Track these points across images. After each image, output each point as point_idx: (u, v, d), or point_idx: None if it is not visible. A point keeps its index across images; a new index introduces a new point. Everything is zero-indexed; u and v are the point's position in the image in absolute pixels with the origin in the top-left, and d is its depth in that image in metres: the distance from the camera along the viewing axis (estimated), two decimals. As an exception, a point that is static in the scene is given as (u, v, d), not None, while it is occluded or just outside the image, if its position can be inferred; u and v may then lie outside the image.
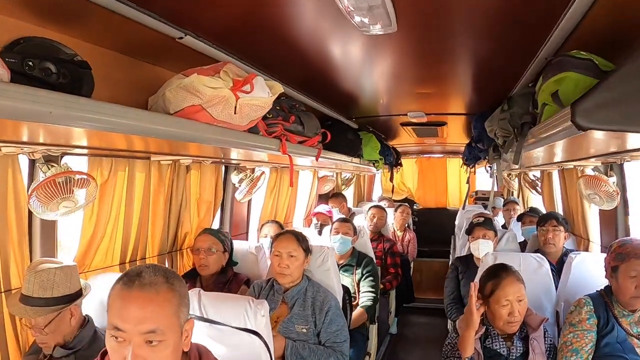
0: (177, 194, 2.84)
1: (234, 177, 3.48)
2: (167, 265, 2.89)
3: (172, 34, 1.73)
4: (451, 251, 6.87)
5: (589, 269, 2.65)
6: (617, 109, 1.18)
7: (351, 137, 4.20)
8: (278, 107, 2.57)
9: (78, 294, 1.93)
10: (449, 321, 5.31)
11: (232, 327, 2.04)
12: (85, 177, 1.92)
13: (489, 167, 3.83)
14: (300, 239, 2.70)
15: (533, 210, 4.48)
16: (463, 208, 4.99)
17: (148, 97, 1.92)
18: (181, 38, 1.77)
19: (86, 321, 2.02)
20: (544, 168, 4.33)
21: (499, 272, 2.38)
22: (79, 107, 1.20)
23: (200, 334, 1.99)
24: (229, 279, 2.96)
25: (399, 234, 6.02)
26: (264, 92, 1.77)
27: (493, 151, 2.94)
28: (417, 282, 6.38)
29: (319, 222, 5.05)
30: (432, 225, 7.90)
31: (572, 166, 3.51)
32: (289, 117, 2.54)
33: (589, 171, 2.96)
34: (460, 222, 6.23)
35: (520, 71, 2.41)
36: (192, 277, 2.95)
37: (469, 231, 3.63)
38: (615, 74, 1.19)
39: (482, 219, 3.64)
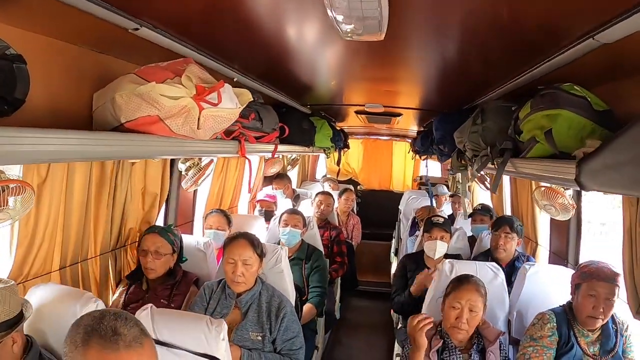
0: (121, 188, 2.59)
1: (181, 166, 3.24)
2: (110, 265, 2.68)
3: (125, 25, 1.48)
4: (394, 236, 6.92)
5: (543, 281, 2.70)
6: (624, 172, 1.10)
7: (306, 126, 4.02)
8: (237, 104, 2.36)
9: (19, 317, 1.68)
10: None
11: (190, 351, 1.91)
12: (19, 185, 1.65)
13: (449, 171, 3.79)
14: (255, 244, 2.56)
15: (484, 209, 4.49)
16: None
17: (93, 92, 1.68)
18: (136, 29, 1.53)
19: (29, 344, 1.77)
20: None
21: (463, 279, 2.43)
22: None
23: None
24: (177, 281, 2.78)
25: (343, 219, 5.92)
26: (231, 103, 1.57)
27: (457, 160, 2.86)
28: (359, 265, 6.38)
29: (263, 209, 4.90)
30: (376, 208, 7.92)
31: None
32: (249, 114, 2.34)
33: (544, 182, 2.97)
34: (406, 209, 6.27)
35: (495, 84, 2.34)
36: (138, 278, 2.74)
37: (427, 230, 3.57)
38: (625, 135, 1.10)
39: (442, 219, 3.61)
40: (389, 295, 6.02)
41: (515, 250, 3.45)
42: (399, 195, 7.35)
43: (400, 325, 3.84)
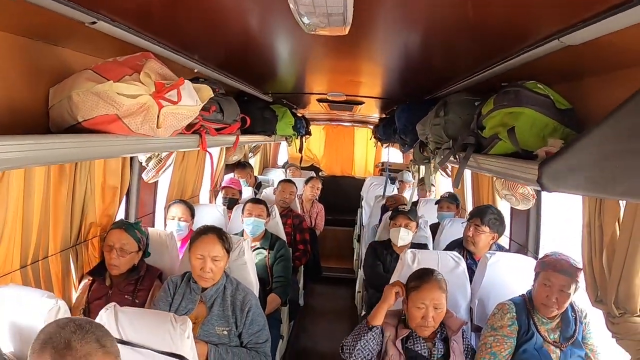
0: (80, 182, 2.49)
1: (141, 157, 3.14)
2: (72, 261, 2.59)
3: (81, 19, 1.40)
4: (357, 222, 6.96)
5: (503, 269, 2.75)
6: (586, 174, 1.12)
7: (268, 115, 3.96)
8: (197, 96, 2.29)
9: None
10: (356, 295, 5.44)
11: (156, 350, 1.89)
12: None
13: (411, 161, 3.80)
14: (224, 239, 2.54)
15: (452, 197, 4.53)
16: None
17: (49, 87, 1.59)
18: (93, 23, 1.45)
19: None
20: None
21: (424, 276, 2.40)
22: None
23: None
24: (141, 276, 2.72)
25: (307, 206, 5.92)
26: (191, 100, 1.51)
27: (420, 151, 2.88)
28: (321, 250, 6.40)
29: (228, 197, 4.83)
30: (338, 194, 7.96)
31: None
32: (210, 106, 2.27)
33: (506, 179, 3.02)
34: (368, 195, 6.31)
35: (457, 77, 2.35)
36: (101, 274, 2.67)
37: (393, 217, 3.61)
38: (584, 139, 1.11)
39: (407, 207, 3.65)
40: (352, 281, 6.14)
41: (493, 245, 3.26)
42: (361, 181, 7.40)
43: (364, 313, 3.88)
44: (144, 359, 1.91)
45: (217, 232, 2.55)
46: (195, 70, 2.36)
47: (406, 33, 1.81)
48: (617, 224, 1.99)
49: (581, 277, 2.21)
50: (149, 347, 1.91)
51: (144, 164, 3.20)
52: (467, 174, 4.43)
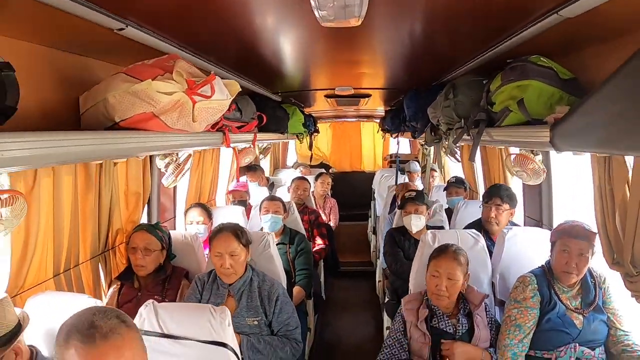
0: (106, 190, 2.60)
1: (160, 162, 3.25)
2: (100, 268, 2.68)
3: (111, 25, 1.52)
4: (371, 216, 7.04)
5: (521, 242, 2.85)
6: (595, 133, 1.22)
7: (279, 114, 4.08)
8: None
9: (17, 330, 1.67)
10: (377, 285, 5.52)
11: (200, 341, 1.95)
12: (9, 195, 1.67)
13: (423, 145, 3.88)
14: (240, 234, 2.60)
15: (458, 181, 4.63)
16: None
17: (79, 95, 1.70)
18: (121, 29, 1.56)
19: (35, 355, 1.78)
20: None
21: (442, 248, 2.56)
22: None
23: (161, 354, 1.87)
24: (168, 275, 2.82)
25: (320, 202, 6.03)
26: (222, 94, 1.62)
27: (431, 134, 2.97)
28: (338, 246, 6.50)
29: (236, 200, 4.93)
30: (349, 189, 8.05)
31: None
32: (230, 106, 2.38)
33: (513, 149, 3.10)
34: (379, 187, 6.40)
35: (463, 60, 2.42)
36: (129, 277, 2.77)
37: (402, 206, 3.69)
38: (592, 99, 1.22)
39: (414, 193, 3.70)
40: (371, 274, 6.22)
41: (509, 222, 3.38)
42: (371, 175, 7.48)
43: (387, 299, 3.97)
44: (187, 350, 1.97)
45: (232, 229, 2.62)
46: (212, 72, 2.47)
47: (412, 20, 1.89)
48: (626, 186, 2.09)
49: (597, 242, 2.29)
50: (192, 338, 1.98)
51: (162, 169, 3.32)
52: (477, 156, 4.51)
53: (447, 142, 2.45)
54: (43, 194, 2.14)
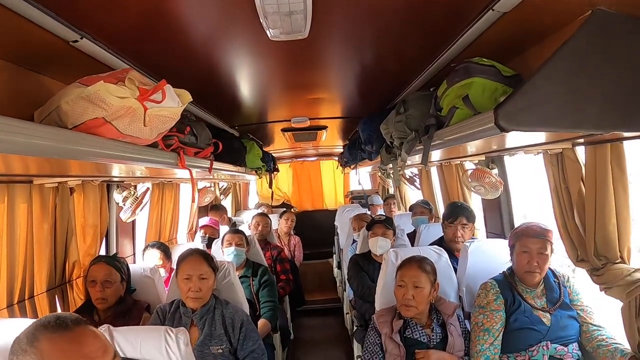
0: (62, 220, 2.53)
1: (117, 196, 3.20)
2: (57, 301, 2.57)
3: (67, 36, 1.52)
4: (335, 250, 7.03)
5: (484, 254, 2.90)
6: (537, 112, 1.31)
7: (236, 145, 4.10)
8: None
9: None
10: (345, 317, 5.45)
11: None
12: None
13: (379, 167, 3.95)
14: (209, 258, 2.61)
15: (424, 202, 4.77)
16: None
17: (33, 112, 1.67)
18: (76, 41, 1.56)
19: None
20: (427, 165, 4.58)
21: (407, 259, 2.61)
22: None
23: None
24: (128, 308, 2.73)
25: (285, 240, 6.01)
26: (173, 102, 1.62)
27: (387, 152, 3.03)
28: (304, 285, 6.42)
29: (207, 235, 4.86)
30: (312, 227, 8.02)
31: (457, 162, 3.75)
32: (184, 128, 2.39)
33: (469, 165, 3.19)
34: (341, 223, 6.43)
35: (413, 76, 2.53)
36: (89, 311, 2.66)
37: (369, 227, 3.72)
38: (529, 83, 1.31)
39: (384, 217, 3.77)
40: (339, 310, 6.16)
41: (470, 237, 3.44)
42: (333, 213, 7.51)
43: (355, 328, 3.92)
44: (145, 375, 1.90)
45: (201, 252, 2.63)
46: (164, 79, 2.48)
47: (360, 34, 1.96)
48: (581, 182, 2.18)
49: (553, 238, 2.37)
50: None
51: (120, 204, 3.25)
52: (435, 177, 4.62)
53: (400, 158, 2.50)
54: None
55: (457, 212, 3.45)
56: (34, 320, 1.33)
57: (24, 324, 1.86)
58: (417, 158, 2.42)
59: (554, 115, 1.31)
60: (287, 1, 1.51)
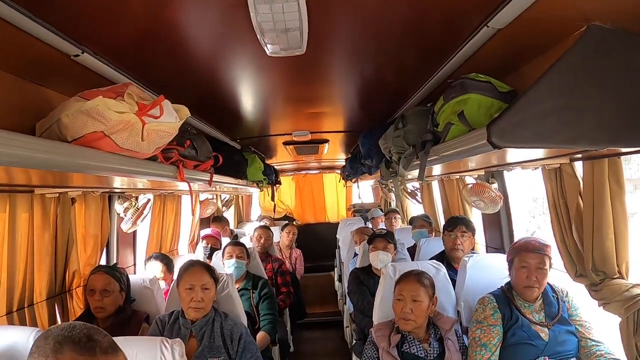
0: (62, 229, 2.55)
1: (119, 207, 3.23)
2: (57, 310, 2.59)
3: (68, 50, 1.55)
4: (336, 264, 7.03)
5: (483, 269, 2.88)
6: (528, 129, 1.31)
7: (237, 158, 4.11)
8: (172, 132, 2.43)
9: None
10: (345, 331, 5.44)
11: None
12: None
13: (380, 182, 3.97)
14: (211, 269, 2.64)
15: (424, 216, 4.79)
16: None
17: (34, 124, 1.70)
18: (77, 55, 1.59)
19: None
20: (427, 180, 4.59)
21: (406, 273, 2.62)
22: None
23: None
24: (127, 318, 2.74)
25: (286, 252, 6.02)
26: (171, 117, 1.64)
27: (386, 167, 3.05)
28: (304, 298, 6.42)
29: (209, 246, 4.86)
30: (314, 240, 8.03)
31: (457, 177, 3.76)
32: (184, 141, 2.41)
33: (469, 179, 3.20)
34: (343, 236, 6.42)
35: (411, 91, 2.54)
36: (88, 320, 2.62)
37: (371, 241, 3.73)
38: (523, 98, 1.31)
39: (385, 231, 3.80)
40: (339, 323, 6.14)
41: (470, 250, 3.46)
42: (336, 226, 7.51)
43: (355, 341, 3.91)
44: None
45: (202, 263, 2.65)
46: (162, 95, 2.50)
47: (358, 49, 1.99)
48: (579, 197, 2.19)
49: (552, 253, 2.36)
50: None
51: (121, 214, 3.28)
52: (437, 193, 4.63)
53: (399, 172, 2.51)
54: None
55: (455, 221, 3.52)
56: (67, 323, 1.32)
57: (22, 331, 1.93)
58: (416, 173, 2.44)
59: (548, 131, 1.31)
60: (282, 18, 1.53)
